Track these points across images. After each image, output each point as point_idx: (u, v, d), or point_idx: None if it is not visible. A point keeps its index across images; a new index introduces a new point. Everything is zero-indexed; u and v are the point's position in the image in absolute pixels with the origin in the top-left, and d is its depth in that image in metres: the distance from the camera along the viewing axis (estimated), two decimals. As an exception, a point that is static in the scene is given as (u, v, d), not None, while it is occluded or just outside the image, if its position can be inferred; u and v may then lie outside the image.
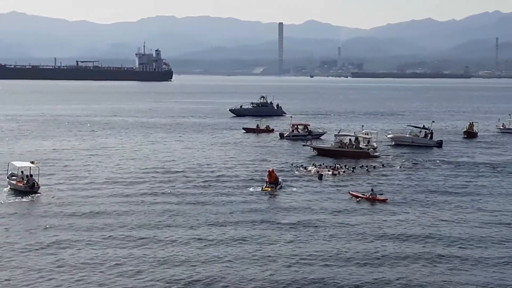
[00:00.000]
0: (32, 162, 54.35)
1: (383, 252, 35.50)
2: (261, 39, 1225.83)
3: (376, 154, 73.60)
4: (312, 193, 51.78)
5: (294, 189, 53.30)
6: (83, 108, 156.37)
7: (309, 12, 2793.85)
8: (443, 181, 58.28)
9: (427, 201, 49.20)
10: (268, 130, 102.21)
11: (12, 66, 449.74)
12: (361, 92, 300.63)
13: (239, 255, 34.73)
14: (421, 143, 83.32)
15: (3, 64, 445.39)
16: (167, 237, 37.98)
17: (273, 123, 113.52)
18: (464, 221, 42.99)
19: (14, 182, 52.21)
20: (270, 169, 55.28)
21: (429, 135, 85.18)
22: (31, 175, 51.70)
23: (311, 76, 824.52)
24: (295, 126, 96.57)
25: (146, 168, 63.14)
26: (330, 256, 34.65)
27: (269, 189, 51.97)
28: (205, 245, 36.37)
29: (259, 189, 52.44)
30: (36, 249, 35.81)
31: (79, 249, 35.62)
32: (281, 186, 53.25)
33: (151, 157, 71.43)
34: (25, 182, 51.19)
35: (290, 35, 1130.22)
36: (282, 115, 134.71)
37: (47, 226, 40.41)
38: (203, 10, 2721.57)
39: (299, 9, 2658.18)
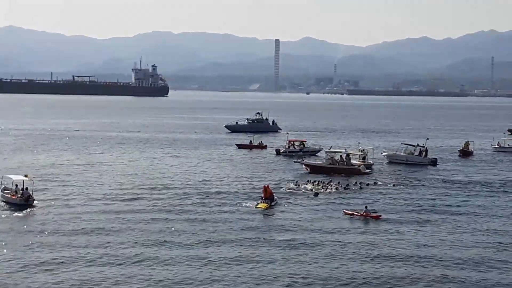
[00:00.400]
0: (26, 176, 54.37)
1: (378, 273, 35.36)
2: (257, 56, 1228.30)
3: (367, 171, 73.76)
4: (307, 210, 51.78)
5: (289, 206, 53.30)
6: (78, 122, 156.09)
7: (306, 29, 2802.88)
8: (437, 199, 58.29)
9: (421, 219, 49.09)
10: (261, 146, 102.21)
11: (8, 80, 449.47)
12: (357, 110, 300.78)
13: (236, 275, 34.63)
14: (415, 161, 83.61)
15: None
16: (164, 256, 37.76)
17: (268, 139, 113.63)
18: (459, 241, 42.78)
19: (8, 195, 52.15)
20: (266, 185, 55.51)
21: (424, 153, 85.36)
22: (26, 189, 51.66)
23: (307, 93, 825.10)
24: (292, 142, 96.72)
25: (141, 184, 63.05)
26: (325, 277, 34.53)
27: (264, 206, 51.90)
28: (202, 264, 36.17)
29: (254, 205, 52.50)
30: (34, 266, 35.69)
31: (75, 268, 35.40)
32: (276, 203, 53.23)
33: (146, 173, 71.28)
34: (20, 195, 51.14)
35: (287, 51, 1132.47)
36: (277, 131, 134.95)
37: (42, 243, 40.16)
38: (200, 26, 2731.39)
39: (296, 26, 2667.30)
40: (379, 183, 66.77)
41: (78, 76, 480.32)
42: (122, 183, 63.72)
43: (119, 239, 41.31)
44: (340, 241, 41.73)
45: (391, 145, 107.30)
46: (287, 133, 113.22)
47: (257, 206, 52.11)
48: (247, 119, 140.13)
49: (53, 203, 52.64)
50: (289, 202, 54.73)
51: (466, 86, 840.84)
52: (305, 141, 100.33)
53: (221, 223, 46.26)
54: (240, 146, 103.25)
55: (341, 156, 75.47)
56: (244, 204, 53.29)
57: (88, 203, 53.23)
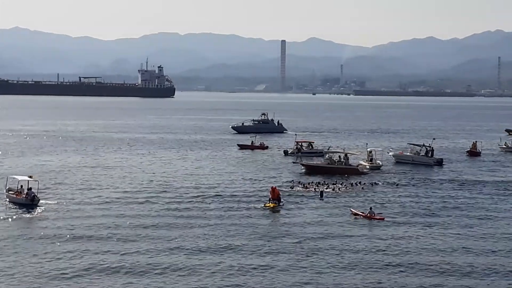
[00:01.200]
0: (30, 177, 55.18)
1: (384, 281, 34.66)
2: (264, 56, 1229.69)
3: (365, 171, 74.13)
4: (313, 211, 51.76)
5: (296, 206, 53.28)
6: (84, 124, 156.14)
7: (312, 30, 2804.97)
8: (441, 200, 58.06)
9: (426, 222, 48.59)
10: (263, 147, 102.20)
11: (15, 82, 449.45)
12: (364, 110, 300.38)
13: (244, 281, 34.16)
14: (421, 161, 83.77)
15: (6, 79, 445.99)
16: (172, 263, 37.07)
17: (274, 140, 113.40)
18: (466, 245, 41.93)
19: (13, 195, 52.62)
20: (273, 186, 55.79)
21: (430, 153, 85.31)
22: (30, 189, 52.05)
23: (314, 94, 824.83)
24: (299, 143, 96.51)
25: (147, 186, 62.91)
26: (332, 283, 34.17)
27: (272, 205, 52.16)
28: (212, 273, 35.36)
29: (262, 205, 52.69)
30: (48, 276, 35.18)
31: (89, 278, 34.86)
32: (283, 203, 53.22)
33: (152, 175, 71.04)
34: (25, 195, 51.58)
35: (293, 52, 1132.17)
36: (283, 132, 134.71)
37: (50, 251, 39.34)
38: (206, 27, 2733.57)
39: (302, 27, 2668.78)
40: (379, 183, 66.63)
41: (85, 78, 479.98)
42: (128, 185, 63.59)
43: (128, 246, 40.45)
44: (346, 245, 41.23)
45: (399, 145, 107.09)
46: (295, 134, 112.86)
47: (266, 205, 52.41)
48: (253, 120, 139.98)
49: (59, 205, 52.47)
50: (296, 203, 54.72)
51: (473, 86, 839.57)
52: (313, 142, 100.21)
53: (229, 225, 45.96)
54: (242, 147, 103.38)
55: (339, 156, 75.90)
56: (252, 205, 53.22)
57: (96, 205, 52.98)
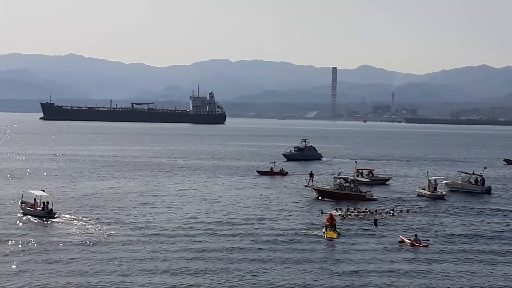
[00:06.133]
0: (43, 191, 61.58)
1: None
2: (314, 84, 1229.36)
3: (373, 197, 74.71)
4: (368, 239, 51.72)
5: (351, 234, 52.95)
6: (139, 149, 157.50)
7: (363, 57, 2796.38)
8: (485, 228, 57.88)
9: (470, 249, 48.65)
10: (283, 173, 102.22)
11: (69, 108, 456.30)
12: (417, 138, 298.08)
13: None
14: (469, 189, 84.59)
15: (60, 105, 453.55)
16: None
17: (314, 166, 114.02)
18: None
19: (29, 208, 58.06)
20: (331, 213, 56.00)
21: (480, 182, 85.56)
22: (47, 203, 57.30)
23: (364, 121, 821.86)
24: (360, 170, 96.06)
25: (187, 214, 62.16)
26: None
27: (334, 236, 51.32)
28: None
29: (323, 233, 52.07)
30: None
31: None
32: (339, 233, 52.68)
33: (195, 202, 70.74)
34: (42, 208, 56.97)
35: (344, 79, 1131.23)
36: (319, 159, 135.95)
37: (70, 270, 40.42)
38: (257, 54, 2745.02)
39: (353, 54, 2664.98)
40: (427, 210, 67.49)
41: (137, 104, 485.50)
42: (172, 213, 63.02)
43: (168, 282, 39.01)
44: (394, 276, 40.99)
45: (452, 174, 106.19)
46: (356, 161, 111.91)
47: (327, 236, 51.39)
48: (294, 148, 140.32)
49: (74, 217, 56.43)
50: (348, 229, 54.57)
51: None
52: (374, 170, 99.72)
53: (294, 262, 43.58)
54: (261, 173, 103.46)
55: (349, 182, 76.94)
56: (310, 232, 52.94)
57: (124, 227, 54.10)
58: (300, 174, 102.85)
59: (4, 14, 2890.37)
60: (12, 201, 64.78)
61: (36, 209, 57.38)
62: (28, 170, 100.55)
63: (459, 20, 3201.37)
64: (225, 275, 39.60)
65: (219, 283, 38.02)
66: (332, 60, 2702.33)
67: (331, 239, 50.64)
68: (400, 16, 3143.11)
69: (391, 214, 63.32)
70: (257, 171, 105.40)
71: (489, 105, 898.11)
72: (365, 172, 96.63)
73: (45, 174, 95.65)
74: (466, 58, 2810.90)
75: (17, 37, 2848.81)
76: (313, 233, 52.80)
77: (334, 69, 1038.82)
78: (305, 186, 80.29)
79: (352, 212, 63.34)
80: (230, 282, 38.30)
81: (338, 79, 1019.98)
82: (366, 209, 64.98)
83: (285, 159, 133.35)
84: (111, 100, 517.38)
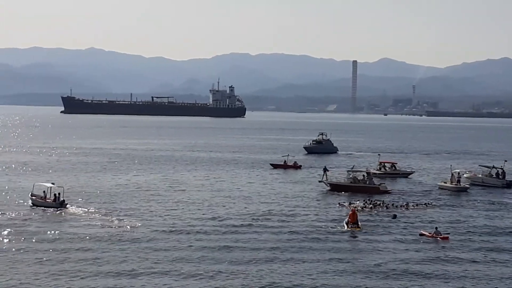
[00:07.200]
0: (53, 184, 62.32)
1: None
2: (334, 77, 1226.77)
3: (387, 189, 74.72)
4: (388, 234, 50.93)
5: (373, 230, 52.03)
6: (162, 143, 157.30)
7: (384, 50, 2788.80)
8: (502, 222, 57.41)
9: (489, 243, 48.46)
10: (296, 166, 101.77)
11: (89, 101, 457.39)
12: (439, 131, 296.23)
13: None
14: (490, 183, 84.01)
15: (81, 99, 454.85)
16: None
17: (331, 159, 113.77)
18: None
19: (40, 200, 59.27)
20: (353, 209, 55.55)
21: (501, 175, 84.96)
22: (58, 194, 59.00)
23: (385, 114, 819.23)
24: (383, 164, 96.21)
25: (207, 208, 61.45)
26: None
27: (358, 229, 50.85)
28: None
29: (343, 229, 51.26)
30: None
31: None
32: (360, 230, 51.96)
33: (215, 196, 69.81)
34: (53, 199, 58.70)
35: (364, 72, 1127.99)
36: (335, 152, 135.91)
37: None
38: (277, 47, 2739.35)
39: (374, 47, 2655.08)
40: (447, 203, 67.22)
41: (157, 97, 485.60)
42: (193, 208, 61.88)
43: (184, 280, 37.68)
44: (417, 271, 40.24)
45: (474, 167, 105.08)
46: (379, 154, 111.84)
47: (351, 228, 51.09)
48: (312, 141, 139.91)
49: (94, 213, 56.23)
50: (370, 224, 53.64)
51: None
52: (396, 163, 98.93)
53: (314, 260, 42.27)
54: (275, 166, 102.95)
55: (363, 175, 77.15)
56: (331, 228, 52.04)
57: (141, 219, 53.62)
58: (312, 167, 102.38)
59: (25, 9, 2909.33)
60: (23, 193, 65.27)
61: (47, 201, 58.92)
62: (48, 163, 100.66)
63: (481, 13, 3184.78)
64: (256, 272, 38.83)
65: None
66: (352, 53, 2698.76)
67: (354, 235, 49.83)
68: (421, 8, 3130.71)
69: (406, 207, 63.29)
70: (271, 164, 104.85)
71: (510, 98, 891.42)
72: (387, 165, 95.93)
73: (62, 167, 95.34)
74: (487, 51, 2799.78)
75: (38, 31, 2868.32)
76: (334, 228, 51.79)
77: (355, 62, 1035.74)
78: (319, 182, 79.38)
79: (369, 204, 63.18)
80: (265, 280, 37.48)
81: (359, 72, 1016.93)
82: (383, 201, 65.04)
83: (306, 152, 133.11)
84: (131, 94, 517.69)
